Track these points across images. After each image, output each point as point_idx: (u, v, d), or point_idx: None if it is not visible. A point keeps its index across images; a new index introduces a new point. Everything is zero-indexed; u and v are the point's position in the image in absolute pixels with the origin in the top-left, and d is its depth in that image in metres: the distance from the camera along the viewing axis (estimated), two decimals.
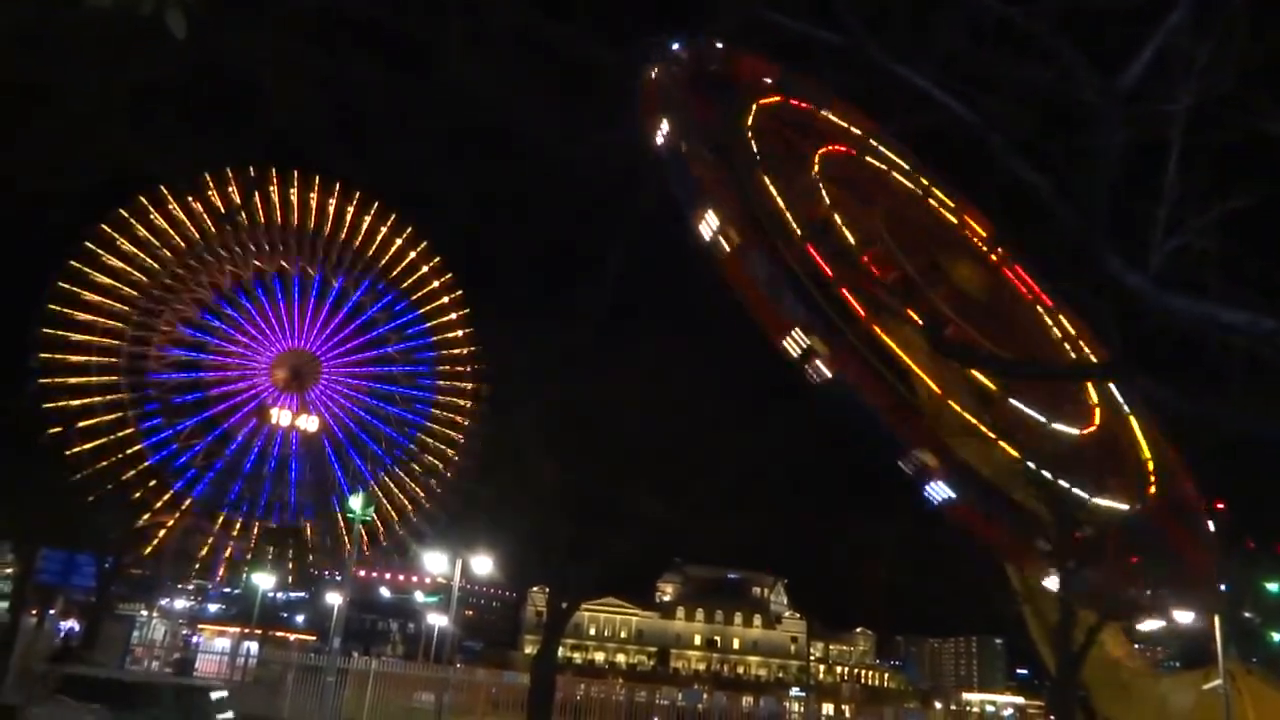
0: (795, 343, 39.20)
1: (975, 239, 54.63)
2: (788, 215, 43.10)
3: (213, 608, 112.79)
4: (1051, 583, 38.34)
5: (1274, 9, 8.63)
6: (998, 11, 9.14)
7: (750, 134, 46.89)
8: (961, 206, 55.62)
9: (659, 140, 41.91)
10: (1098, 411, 50.28)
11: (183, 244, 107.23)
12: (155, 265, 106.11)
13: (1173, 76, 8.43)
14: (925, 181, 56.93)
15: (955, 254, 51.30)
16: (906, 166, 56.59)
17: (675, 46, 44.29)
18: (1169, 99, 8.50)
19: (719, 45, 47.47)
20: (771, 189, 43.75)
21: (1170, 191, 8.40)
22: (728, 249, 39.51)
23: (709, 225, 39.81)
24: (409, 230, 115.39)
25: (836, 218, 45.95)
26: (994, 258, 52.66)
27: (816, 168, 49.32)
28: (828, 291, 41.71)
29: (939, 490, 39.59)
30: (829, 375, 39.03)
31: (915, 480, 40.06)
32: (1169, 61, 8.39)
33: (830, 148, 52.02)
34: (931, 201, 56.81)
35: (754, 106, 48.79)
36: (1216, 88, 8.55)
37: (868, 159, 54.80)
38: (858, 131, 52.95)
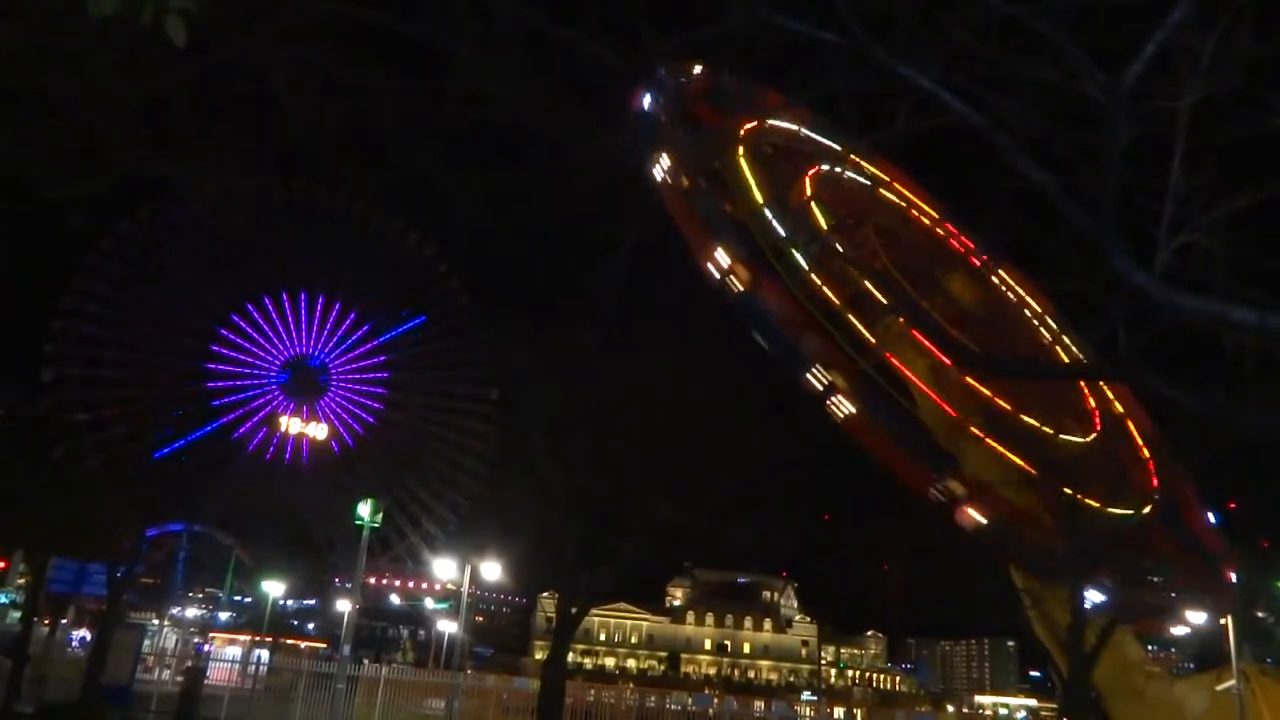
0: (942, 491, 38.75)
1: (966, 252, 54.26)
2: (793, 250, 42.85)
3: (224, 616, 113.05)
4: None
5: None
6: (1002, 10, 9.14)
7: (745, 165, 46.61)
8: (953, 220, 55.42)
9: (717, 271, 41.40)
10: (1097, 418, 50.20)
11: (191, 253, 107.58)
12: (165, 275, 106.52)
13: (1178, 73, 8.41)
14: (914, 196, 56.64)
15: (949, 267, 51.06)
16: (894, 183, 56.30)
17: (647, 104, 43.63)
18: (1174, 96, 8.49)
19: (686, 78, 46.83)
20: (774, 221, 43.50)
21: (1176, 189, 8.38)
22: (851, 410, 38.77)
23: (818, 380, 39.21)
24: (416, 235, 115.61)
25: (836, 243, 45.64)
26: (989, 273, 52.39)
27: (807, 190, 49.09)
28: (838, 322, 41.39)
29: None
30: (985, 521, 38.61)
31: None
32: (1174, 58, 8.38)
33: (818, 168, 51.74)
34: (924, 218, 56.50)
35: (740, 133, 48.49)
36: (1222, 84, 8.54)
37: (855, 176, 54.54)
38: (841, 149, 52.71)
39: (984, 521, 37.85)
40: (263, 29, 15.01)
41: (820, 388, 38.03)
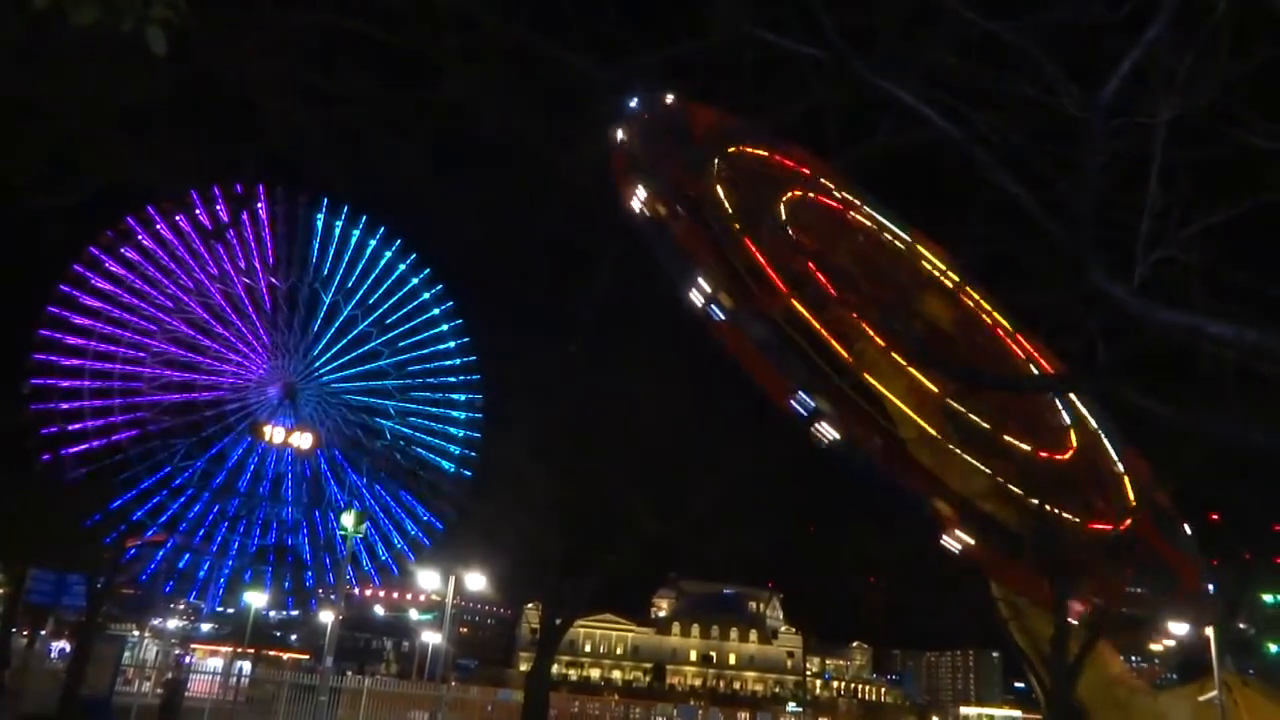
0: (801, 403, 39.19)
1: (939, 273, 54.56)
2: (770, 271, 43.29)
3: (206, 627, 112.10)
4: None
5: (1256, 25, 8.73)
6: (983, 27, 9.23)
7: (719, 188, 46.97)
8: (925, 242, 55.82)
9: (636, 207, 42.10)
10: (1073, 434, 50.58)
11: (173, 263, 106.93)
12: (146, 285, 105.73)
13: (1154, 91, 8.52)
14: (885, 220, 57.05)
15: (923, 288, 51.46)
16: (867, 207, 56.72)
17: (634, 104, 44.21)
18: (1152, 113, 8.59)
19: (671, 99, 47.14)
20: (750, 245, 43.87)
21: (1153, 204, 8.47)
22: (722, 316, 39.34)
23: (700, 294, 39.81)
24: (400, 243, 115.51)
25: (813, 266, 45.99)
26: (963, 295, 52.78)
27: (783, 213, 49.50)
28: (815, 342, 41.77)
29: (956, 540, 39.69)
30: (837, 435, 38.94)
31: (931, 528, 40.04)
32: (1150, 76, 8.49)
33: (793, 192, 52.11)
34: (898, 242, 56.87)
35: (716, 160, 48.80)
36: (1197, 101, 8.65)
37: (829, 200, 54.96)
38: (811, 172, 53.08)
39: (835, 437, 38.28)
40: (247, 38, 15.00)
41: (700, 302, 38.55)
